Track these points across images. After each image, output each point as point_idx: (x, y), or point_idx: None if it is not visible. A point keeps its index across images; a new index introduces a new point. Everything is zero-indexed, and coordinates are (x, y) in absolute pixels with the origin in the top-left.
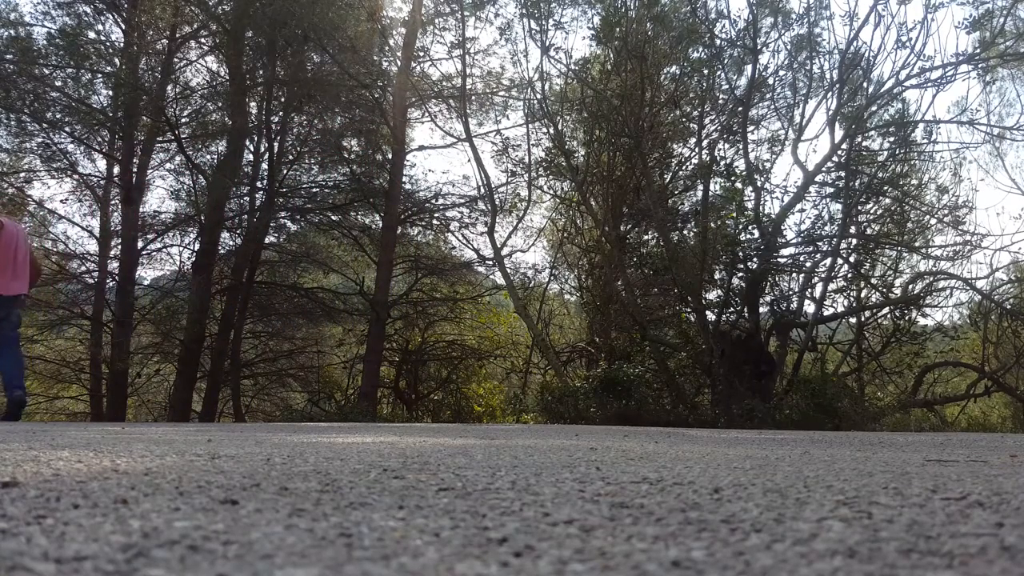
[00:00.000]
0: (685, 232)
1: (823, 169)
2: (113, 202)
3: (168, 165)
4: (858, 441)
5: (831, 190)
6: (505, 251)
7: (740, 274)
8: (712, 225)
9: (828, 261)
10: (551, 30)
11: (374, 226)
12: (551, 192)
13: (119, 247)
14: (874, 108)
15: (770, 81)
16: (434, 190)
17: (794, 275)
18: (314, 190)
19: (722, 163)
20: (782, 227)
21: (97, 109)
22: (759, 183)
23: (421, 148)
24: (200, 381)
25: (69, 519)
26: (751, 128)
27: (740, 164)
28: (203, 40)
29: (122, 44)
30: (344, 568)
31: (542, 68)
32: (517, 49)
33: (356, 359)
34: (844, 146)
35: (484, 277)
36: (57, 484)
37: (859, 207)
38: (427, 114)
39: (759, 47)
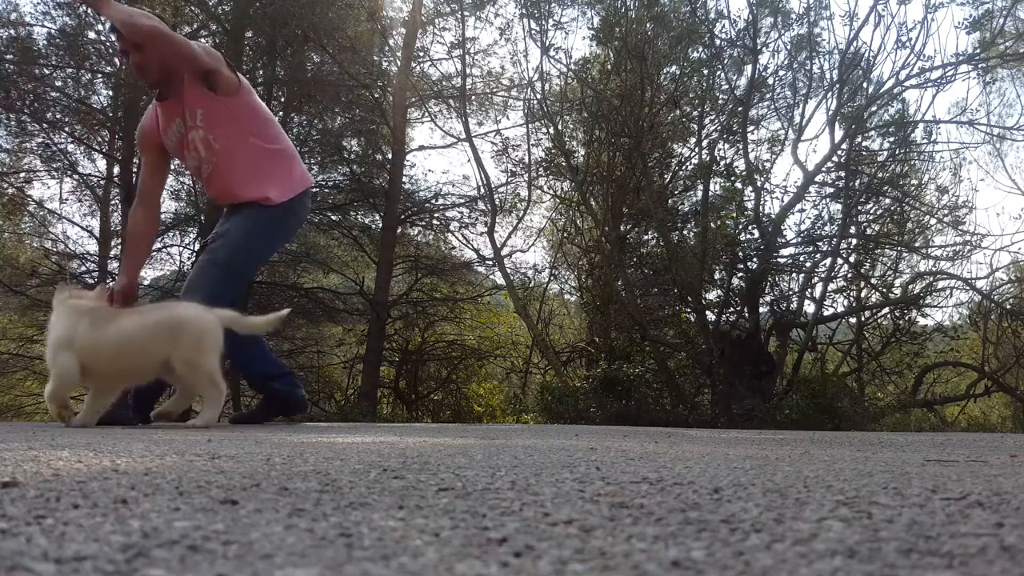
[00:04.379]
0: (685, 232)
1: (823, 169)
2: (113, 202)
3: None
4: (858, 441)
5: (831, 190)
6: (505, 251)
7: (740, 274)
8: (712, 225)
9: (828, 261)
10: (551, 30)
11: (374, 226)
12: (551, 192)
13: (119, 247)
14: (874, 108)
15: (770, 81)
16: (434, 190)
17: (794, 275)
18: (314, 190)
19: (722, 163)
20: (782, 227)
21: (97, 109)
22: (759, 183)
23: (421, 148)
24: None
25: (69, 519)
26: (751, 128)
27: (740, 164)
28: (203, 40)
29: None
30: (344, 568)
31: (542, 68)
32: (517, 49)
33: (356, 359)
34: (844, 146)
35: (484, 277)
36: (57, 484)
37: (859, 207)
38: (427, 114)
39: (759, 47)
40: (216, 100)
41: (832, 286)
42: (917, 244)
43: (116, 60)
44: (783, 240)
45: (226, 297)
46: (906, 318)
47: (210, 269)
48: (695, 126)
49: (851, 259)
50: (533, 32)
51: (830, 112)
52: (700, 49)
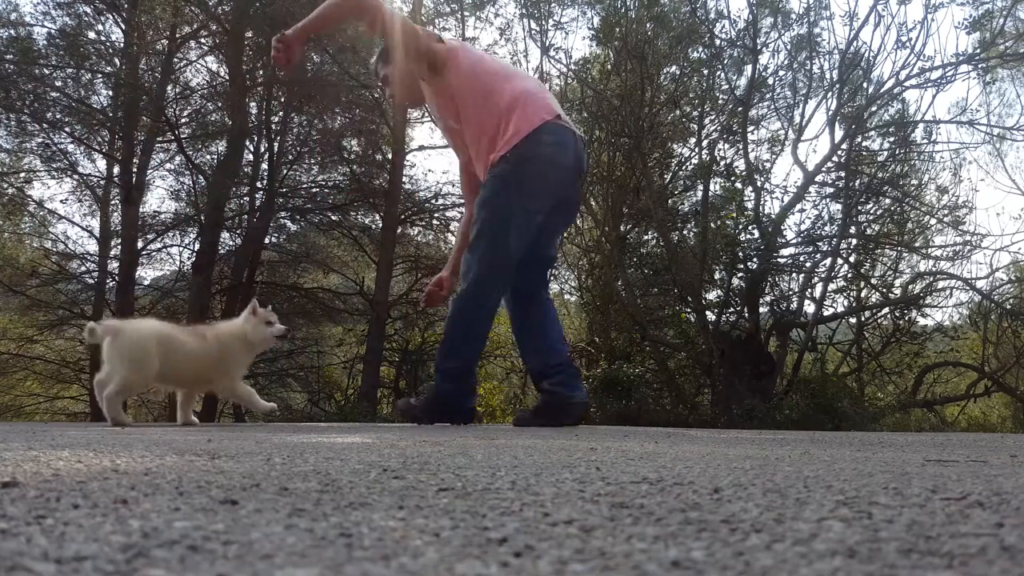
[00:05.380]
0: (685, 232)
1: (823, 169)
2: (113, 202)
3: (168, 165)
4: (858, 441)
5: (831, 190)
6: None
7: (740, 274)
8: (712, 225)
9: (828, 261)
10: (551, 30)
11: (374, 226)
12: None
13: (119, 247)
14: (874, 108)
15: (770, 81)
16: (434, 190)
17: (794, 275)
18: (314, 190)
19: (722, 163)
20: (782, 227)
21: (97, 109)
22: (759, 183)
23: (421, 148)
24: None
25: (69, 519)
26: (751, 128)
27: (740, 164)
28: (203, 40)
29: (122, 44)
30: (344, 568)
31: (542, 68)
32: (517, 49)
33: (356, 359)
34: (844, 146)
35: None
36: (57, 484)
37: (859, 207)
38: (427, 114)
39: (759, 47)
40: (436, 83)
41: (832, 286)
42: (917, 244)
43: (116, 60)
44: (783, 240)
45: (494, 280)
46: (906, 318)
47: (467, 257)
48: (695, 126)
49: (851, 259)
50: (533, 32)
51: (830, 112)
52: (700, 49)
